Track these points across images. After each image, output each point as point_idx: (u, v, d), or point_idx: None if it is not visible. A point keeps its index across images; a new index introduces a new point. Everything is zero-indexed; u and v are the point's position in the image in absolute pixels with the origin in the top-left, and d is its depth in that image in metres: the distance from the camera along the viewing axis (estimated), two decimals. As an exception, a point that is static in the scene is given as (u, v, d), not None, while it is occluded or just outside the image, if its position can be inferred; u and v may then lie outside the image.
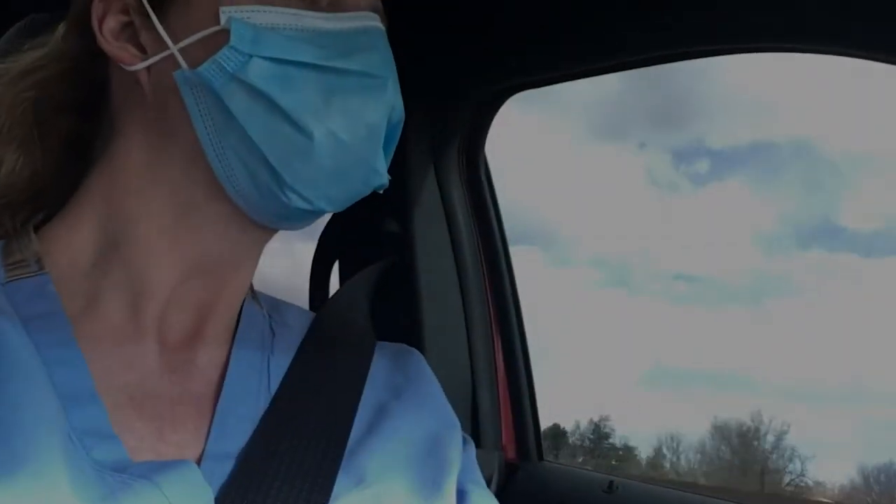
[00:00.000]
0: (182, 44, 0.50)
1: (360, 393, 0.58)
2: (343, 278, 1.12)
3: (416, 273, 1.02)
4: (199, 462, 0.49)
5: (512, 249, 1.14)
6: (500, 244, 1.13)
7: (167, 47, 0.50)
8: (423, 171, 1.07)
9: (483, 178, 1.13)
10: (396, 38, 0.99)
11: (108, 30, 0.52)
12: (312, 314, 0.65)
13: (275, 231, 0.57)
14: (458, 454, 0.59)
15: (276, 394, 0.55)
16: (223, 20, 0.49)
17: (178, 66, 0.50)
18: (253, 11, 0.49)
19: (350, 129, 0.50)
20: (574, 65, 0.96)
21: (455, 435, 0.60)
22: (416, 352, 0.66)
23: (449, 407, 0.63)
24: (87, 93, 0.56)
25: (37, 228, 0.55)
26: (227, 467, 0.49)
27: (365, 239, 1.07)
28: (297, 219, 0.54)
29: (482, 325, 1.08)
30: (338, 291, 0.79)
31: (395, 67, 0.55)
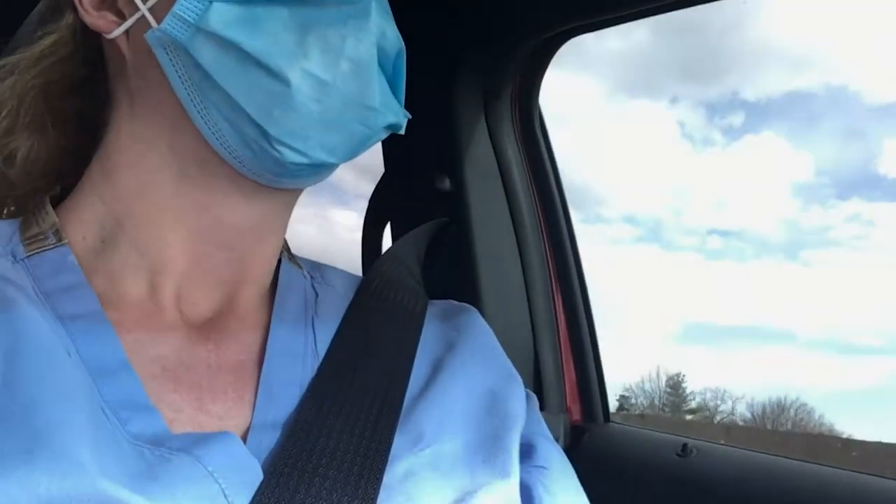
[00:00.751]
0: (150, 1, 0.47)
1: (413, 353, 0.55)
2: (395, 238, 1.08)
3: (471, 232, 0.98)
4: (245, 432, 0.46)
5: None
6: (557, 200, 1.08)
7: (139, 8, 0.47)
8: (475, 125, 1.02)
9: (538, 130, 1.08)
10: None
11: (87, 0, 0.50)
12: (359, 276, 0.63)
13: (290, 192, 0.53)
14: (522, 407, 0.56)
15: (325, 356, 0.52)
16: None
17: (150, 27, 0.47)
18: None
19: (331, 66, 0.46)
20: (625, 5, 0.89)
21: (516, 388, 0.57)
22: (469, 306, 0.63)
23: (507, 360, 0.60)
24: (91, 69, 0.54)
25: (55, 204, 0.53)
26: (274, 436, 0.47)
27: (417, 197, 1.03)
28: (300, 175, 0.50)
29: (542, 285, 1.04)
30: (387, 251, 0.76)
31: None
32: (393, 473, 0.46)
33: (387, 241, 1.11)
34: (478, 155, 1.02)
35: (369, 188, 1.12)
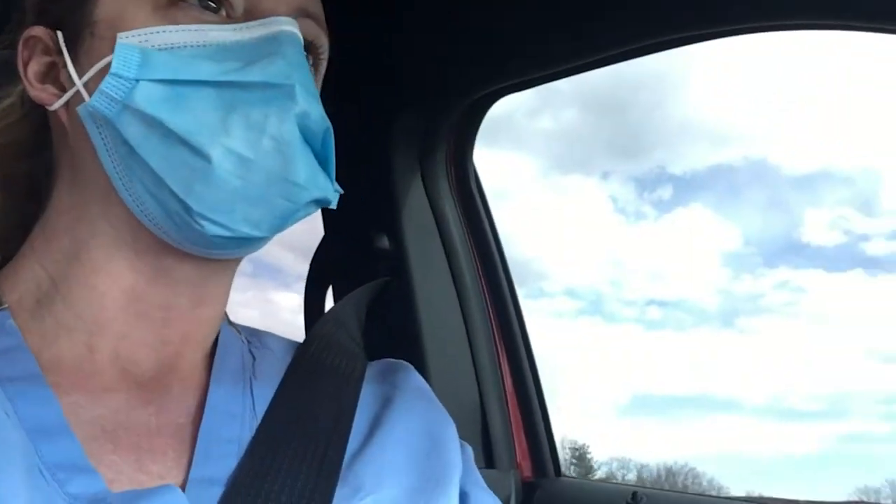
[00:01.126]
0: (85, 77, 0.49)
1: (352, 414, 0.55)
2: (337, 300, 1.07)
3: (412, 289, 0.98)
4: (182, 489, 0.46)
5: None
6: (496, 254, 1.09)
7: (75, 84, 0.49)
8: (412, 184, 1.03)
9: (473, 187, 1.09)
10: (379, 43, 0.98)
11: (32, 73, 0.52)
12: (295, 341, 0.63)
13: (224, 261, 0.53)
14: (458, 455, 0.57)
15: (264, 416, 0.52)
16: (117, 46, 0.47)
17: (84, 101, 0.48)
18: (152, 33, 0.48)
19: (253, 144, 0.47)
20: (561, 63, 0.92)
21: (452, 436, 0.58)
22: (405, 363, 0.65)
23: (441, 408, 0.61)
24: (39, 138, 0.55)
25: None
26: (214, 492, 0.47)
27: (357, 258, 1.03)
28: (225, 247, 0.51)
29: (486, 340, 1.04)
30: (327, 313, 0.75)
31: (307, 70, 0.51)
32: None
33: (329, 305, 1.10)
34: (415, 213, 1.02)
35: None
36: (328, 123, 0.51)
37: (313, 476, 0.49)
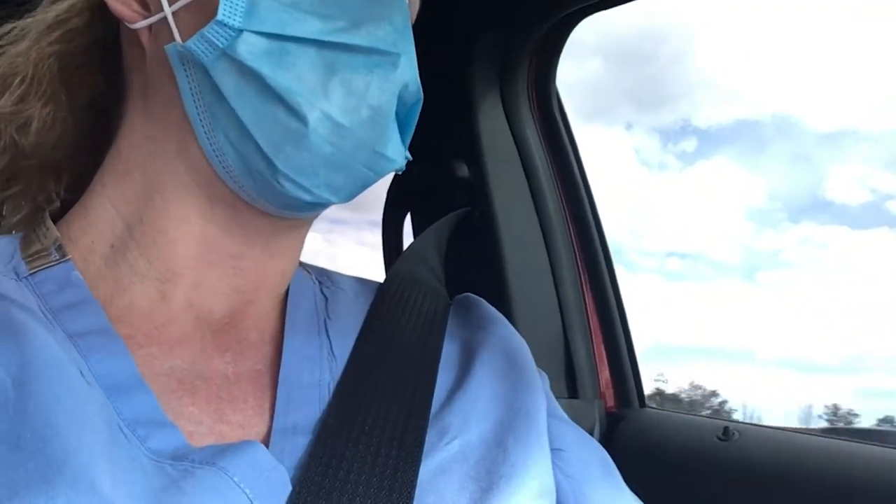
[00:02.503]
0: (176, 5, 0.46)
1: (437, 358, 0.54)
2: (416, 232, 1.06)
3: (494, 220, 0.96)
4: (267, 438, 0.45)
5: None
6: (580, 183, 1.05)
7: (163, 8, 0.46)
8: (492, 110, 1.00)
9: (556, 113, 1.05)
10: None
11: None
12: (368, 280, 0.62)
13: (298, 220, 0.52)
14: (539, 382, 0.55)
15: (350, 358, 0.51)
16: None
17: (171, 33, 0.45)
18: None
19: (351, 111, 0.45)
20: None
21: (531, 361, 0.56)
22: (473, 296, 0.62)
23: (518, 336, 0.59)
24: (105, 53, 0.52)
25: (61, 213, 0.52)
26: (299, 441, 0.45)
27: (436, 187, 1.01)
28: (299, 208, 0.49)
29: (569, 271, 1.02)
30: (407, 248, 0.74)
31: (411, 38, 0.48)
32: (423, 470, 0.45)
33: (407, 232, 1.09)
34: (497, 140, 0.99)
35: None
36: (421, 94, 0.50)
37: (403, 417, 0.47)
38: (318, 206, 0.50)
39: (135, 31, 0.48)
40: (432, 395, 0.50)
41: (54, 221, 0.51)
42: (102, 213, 0.50)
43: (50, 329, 0.44)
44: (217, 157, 0.47)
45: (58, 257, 0.48)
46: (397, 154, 0.48)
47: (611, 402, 1.03)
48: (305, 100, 0.44)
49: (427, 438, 0.47)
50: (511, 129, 1.01)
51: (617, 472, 0.54)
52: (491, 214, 0.96)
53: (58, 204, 0.53)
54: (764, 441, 0.84)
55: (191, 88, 0.46)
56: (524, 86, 1.01)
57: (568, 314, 1.00)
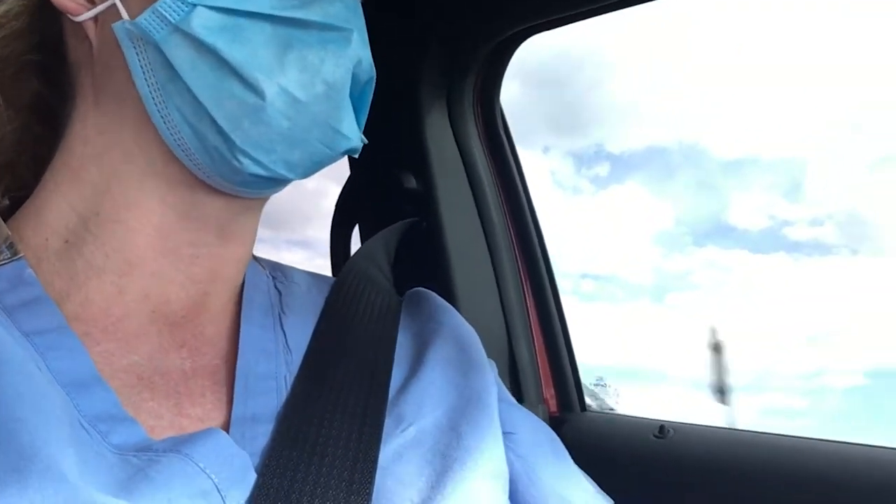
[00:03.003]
0: None
1: (393, 347, 0.55)
2: (364, 240, 1.08)
3: (441, 230, 0.99)
4: (226, 429, 0.46)
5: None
6: (522, 195, 1.09)
7: None
8: (438, 123, 1.03)
9: (500, 127, 1.09)
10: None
11: None
12: (319, 274, 0.63)
13: (255, 200, 0.52)
14: (489, 368, 0.57)
15: (308, 349, 0.52)
16: None
17: (119, 16, 0.45)
18: None
19: (307, 86, 0.46)
20: (580, 4, 0.91)
21: (481, 349, 0.58)
22: (423, 290, 0.64)
23: (467, 325, 0.60)
24: (49, 54, 0.52)
25: (11, 211, 0.51)
26: (259, 429, 0.46)
27: (384, 198, 1.03)
28: (256, 186, 0.50)
29: (513, 281, 1.05)
30: (359, 249, 0.76)
31: (362, 16, 0.50)
32: (381, 456, 0.46)
33: (354, 244, 1.11)
34: (443, 153, 1.02)
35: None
36: (373, 73, 0.50)
37: (362, 404, 0.48)
38: (274, 183, 0.50)
39: (80, 25, 0.48)
40: (389, 382, 0.52)
41: (4, 220, 0.50)
42: (56, 209, 0.49)
43: (6, 327, 0.43)
44: (172, 136, 0.46)
45: (9, 255, 0.47)
46: (352, 132, 0.49)
47: (553, 407, 1.07)
48: (263, 73, 0.44)
49: (384, 426, 0.48)
50: (457, 143, 1.04)
51: (566, 453, 0.57)
52: (438, 225, 0.99)
53: (6, 202, 0.52)
54: (698, 437, 0.88)
55: (142, 67, 0.45)
56: (470, 101, 1.04)
57: (511, 321, 1.03)
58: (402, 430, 0.49)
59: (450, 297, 0.97)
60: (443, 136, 1.03)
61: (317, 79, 0.46)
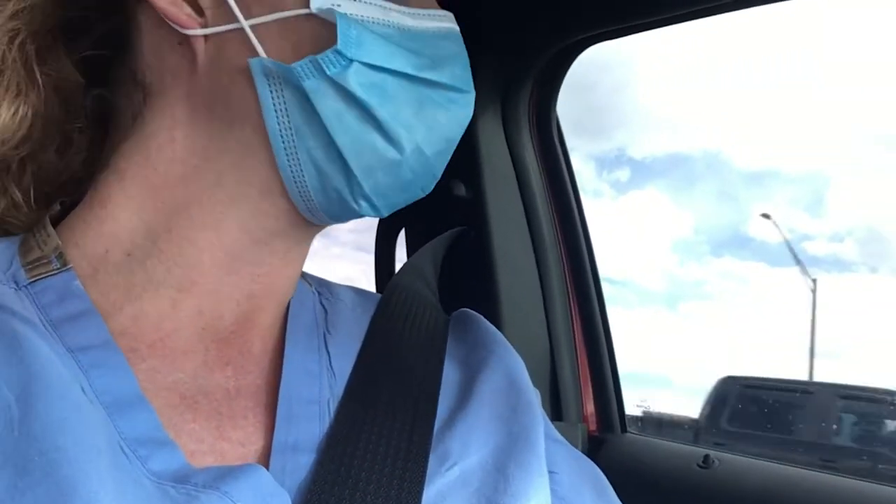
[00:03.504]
0: (255, 20, 0.44)
1: (439, 373, 0.53)
2: (410, 247, 1.07)
3: (489, 240, 0.97)
4: (266, 455, 0.45)
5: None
6: (575, 208, 1.07)
7: (234, 18, 0.44)
8: (493, 132, 1.01)
9: (555, 137, 1.07)
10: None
11: None
12: (365, 290, 0.61)
13: (324, 226, 0.52)
14: (537, 402, 0.55)
15: (351, 375, 0.51)
16: (314, 5, 0.43)
17: (247, 44, 0.44)
18: None
19: (433, 143, 0.47)
20: (648, 15, 0.89)
21: (528, 380, 0.56)
22: (470, 312, 0.62)
23: (514, 353, 0.58)
24: (100, 33, 0.50)
25: (62, 217, 0.50)
26: (300, 460, 0.45)
27: (432, 204, 1.02)
28: (349, 218, 0.50)
29: (560, 294, 1.03)
30: (405, 264, 0.75)
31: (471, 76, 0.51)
32: (424, 497, 0.45)
33: (400, 250, 1.10)
34: (495, 162, 1.01)
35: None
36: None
37: (405, 440, 0.47)
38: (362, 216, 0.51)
39: (173, 35, 0.46)
40: (435, 416, 0.50)
41: (54, 225, 0.48)
42: (125, 224, 0.47)
43: (51, 343, 0.42)
44: (292, 172, 0.46)
45: (58, 266, 0.46)
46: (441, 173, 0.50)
47: (593, 426, 1.04)
48: (404, 130, 0.45)
49: (428, 464, 0.47)
50: (510, 153, 1.02)
51: (611, 491, 0.55)
52: (486, 235, 0.98)
53: (58, 208, 0.50)
54: (743, 470, 0.85)
55: (275, 105, 0.44)
56: (525, 110, 1.03)
57: (556, 337, 1.02)
58: (447, 469, 0.47)
59: (494, 310, 0.96)
60: (496, 145, 1.01)
61: (441, 137, 0.47)
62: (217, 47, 0.46)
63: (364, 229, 1.14)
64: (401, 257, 1.11)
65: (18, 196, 0.50)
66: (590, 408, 1.05)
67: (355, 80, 0.44)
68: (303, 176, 0.46)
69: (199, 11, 0.45)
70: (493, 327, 0.60)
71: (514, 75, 1.00)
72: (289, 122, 0.45)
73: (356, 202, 0.47)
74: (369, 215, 0.49)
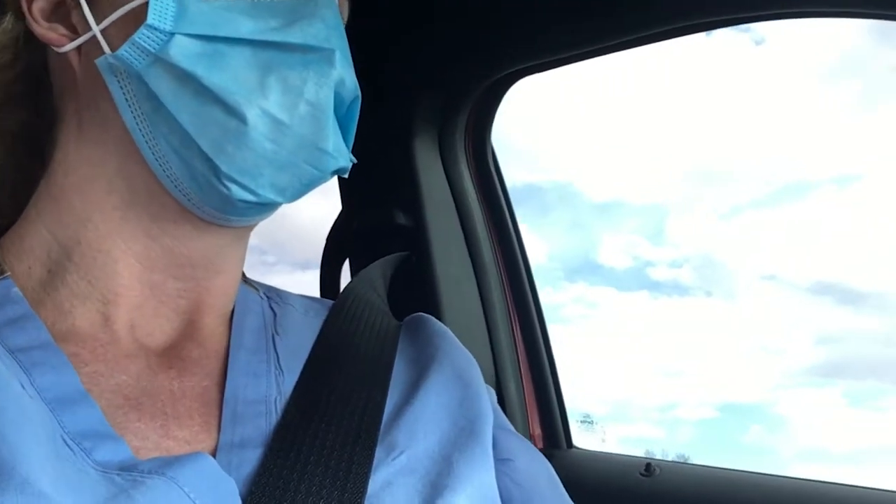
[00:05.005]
0: (105, 23, 0.46)
1: (389, 372, 0.54)
2: (355, 276, 1.09)
3: (432, 265, 1.00)
4: (213, 454, 0.45)
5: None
6: (513, 233, 1.10)
7: (91, 27, 0.46)
8: (431, 161, 1.05)
9: (491, 164, 1.11)
10: (401, 23, 0.99)
11: (37, 9, 0.48)
12: (316, 298, 0.62)
13: (240, 228, 0.52)
14: (487, 397, 0.56)
15: (302, 372, 0.51)
16: None
17: (101, 49, 0.46)
18: None
19: (289, 108, 0.46)
20: (580, 46, 0.93)
21: (479, 376, 0.57)
22: (423, 315, 0.63)
23: (466, 351, 0.59)
24: (34, 82, 0.52)
25: None
26: (247, 454, 0.46)
27: (376, 233, 1.04)
28: (245, 213, 0.50)
29: (502, 315, 1.06)
30: (358, 275, 0.77)
31: (344, 36, 0.50)
32: (371, 484, 0.46)
33: (345, 279, 1.12)
34: (434, 190, 1.04)
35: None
36: (358, 92, 0.51)
37: (353, 432, 0.48)
38: (264, 209, 0.50)
39: (64, 56, 0.48)
40: (383, 408, 0.51)
41: None
42: (38, 238, 0.49)
43: None
44: (161, 165, 0.46)
45: None
46: (339, 152, 0.49)
47: (540, 443, 1.07)
48: (243, 98, 0.45)
49: (375, 454, 0.47)
50: (449, 182, 1.06)
51: (560, 484, 0.56)
52: (429, 261, 1.00)
53: None
54: (684, 475, 0.89)
55: (126, 99, 0.46)
56: (462, 140, 1.06)
57: (500, 359, 1.04)
58: (394, 458, 0.48)
59: (439, 333, 0.98)
60: (434, 174, 1.05)
61: (299, 100, 0.46)
62: (86, 57, 0.47)
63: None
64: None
65: None
66: (535, 426, 1.08)
67: (178, 52, 0.44)
68: (170, 166, 0.46)
69: (74, 30, 0.48)
70: (442, 326, 0.61)
71: (450, 107, 1.04)
72: (141, 113, 0.46)
73: (223, 185, 0.46)
74: (251, 199, 0.47)
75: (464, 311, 1.03)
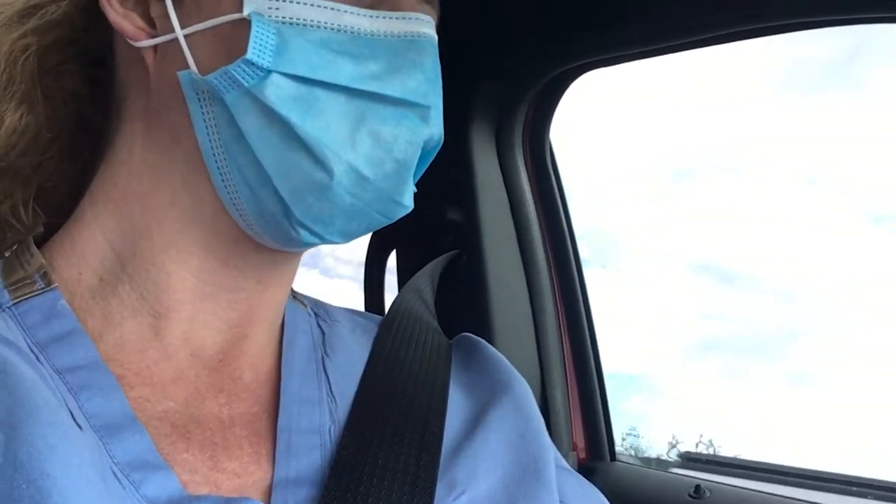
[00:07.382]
0: (190, 29, 0.42)
1: (445, 396, 0.52)
2: (400, 268, 1.07)
3: (483, 265, 0.97)
4: (267, 491, 0.43)
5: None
6: (566, 235, 1.07)
7: (173, 29, 0.42)
8: (486, 156, 1.01)
9: (548, 162, 1.07)
10: (459, 19, 0.95)
11: None
12: (362, 312, 0.60)
13: (297, 253, 0.50)
14: (545, 430, 0.53)
15: (354, 402, 0.49)
16: (247, 9, 0.41)
17: (183, 56, 0.42)
18: (283, 1, 0.41)
19: (376, 164, 0.43)
20: (643, 44, 0.89)
21: (535, 407, 0.55)
22: (473, 337, 0.60)
23: (522, 380, 0.57)
24: (93, 63, 0.49)
25: (45, 239, 0.48)
26: (301, 493, 0.43)
27: (425, 226, 1.01)
28: (306, 245, 0.48)
29: (551, 321, 1.03)
30: (405, 286, 0.74)
31: (440, 89, 0.47)
32: None
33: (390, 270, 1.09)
34: (488, 186, 1.01)
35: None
36: (441, 140, 0.48)
37: (412, 469, 0.45)
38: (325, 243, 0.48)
39: (136, 49, 0.45)
40: (441, 442, 0.48)
41: (38, 246, 0.47)
42: (92, 243, 0.46)
43: (36, 366, 0.41)
44: (228, 192, 0.44)
45: (43, 286, 0.45)
46: (409, 200, 0.47)
47: (583, 454, 1.03)
48: (332, 151, 0.42)
49: (437, 488, 0.45)
50: (504, 177, 1.02)
51: None
52: (480, 259, 0.97)
53: (41, 229, 0.49)
54: (735, 501, 0.84)
55: (205, 120, 0.43)
56: (519, 135, 1.03)
57: (547, 363, 1.01)
58: (455, 499, 0.46)
59: (487, 335, 0.95)
60: (490, 170, 1.01)
61: (388, 157, 0.44)
62: (163, 59, 0.44)
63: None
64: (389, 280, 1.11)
65: (20, 203, 0.49)
66: (579, 436, 1.04)
67: (274, 92, 0.41)
68: (239, 198, 0.44)
69: (152, 23, 0.44)
70: (497, 353, 0.59)
71: (509, 100, 1.00)
72: (219, 138, 0.43)
73: (293, 229, 0.44)
74: (318, 243, 0.46)
75: (513, 314, 0.99)
